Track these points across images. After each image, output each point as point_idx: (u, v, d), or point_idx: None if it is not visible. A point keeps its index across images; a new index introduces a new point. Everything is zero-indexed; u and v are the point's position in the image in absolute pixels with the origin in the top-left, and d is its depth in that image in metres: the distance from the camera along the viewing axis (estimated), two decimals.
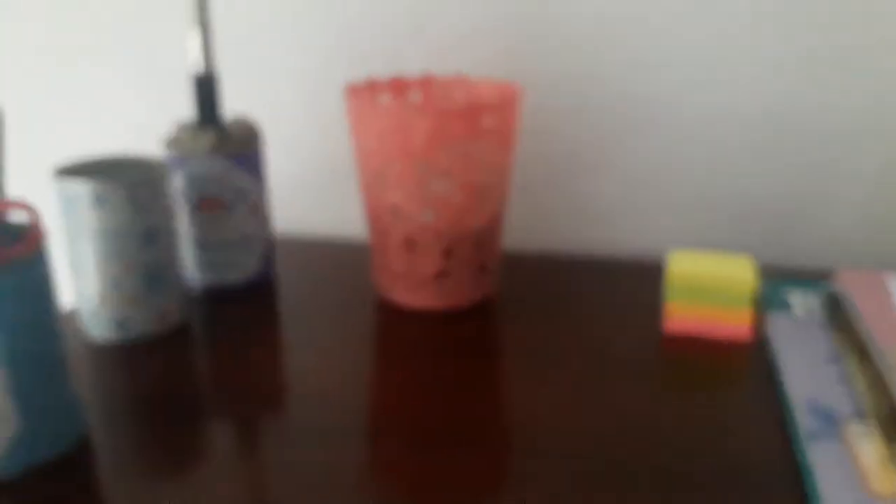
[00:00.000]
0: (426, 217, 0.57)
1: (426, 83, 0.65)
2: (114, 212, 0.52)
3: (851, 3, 0.63)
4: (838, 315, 0.54)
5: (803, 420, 0.44)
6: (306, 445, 0.44)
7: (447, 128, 0.53)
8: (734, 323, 0.56)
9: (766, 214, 0.71)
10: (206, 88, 0.59)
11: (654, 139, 0.70)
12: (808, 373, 0.49)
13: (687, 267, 0.57)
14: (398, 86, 0.64)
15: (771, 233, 0.71)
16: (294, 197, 0.79)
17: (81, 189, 0.51)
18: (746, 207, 0.71)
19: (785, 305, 0.59)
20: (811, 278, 0.63)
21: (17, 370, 0.41)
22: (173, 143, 0.59)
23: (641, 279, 0.66)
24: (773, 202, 0.70)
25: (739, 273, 0.56)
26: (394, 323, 0.59)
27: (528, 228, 0.76)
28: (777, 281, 0.63)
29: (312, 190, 0.79)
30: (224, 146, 0.59)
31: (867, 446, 0.42)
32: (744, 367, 0.52)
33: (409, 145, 0.54)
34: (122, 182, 0.52)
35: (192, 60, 0.59)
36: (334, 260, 0.70)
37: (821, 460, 0.41)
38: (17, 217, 0.46)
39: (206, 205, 0.60)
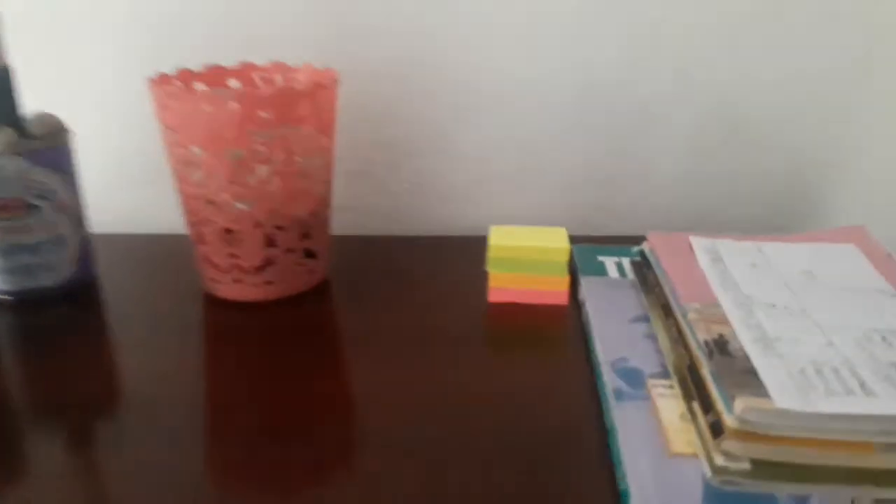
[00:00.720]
0: (243, 206, 0.52)
1: (244, 71, 0.59)
2: None
3: None
4: (646, 276, 0.53)
5: (610, 381, 0.42)
6: (140, 449, 0.38)
7: (258, 114, 0.48)
8: (552, 289, 0.54)
9: (589, 185, 0.69)
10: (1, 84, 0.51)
11: (482, 119, 0.67)
12: (616, 333, 0.48)
13: (505, 240, 0.54)
14: (214, 75, 0.58)
15: (594, 203, 0.70)
16: (114, 193, 0.72)
17: None
18: (572, 179, 0.69)
19: (600, 270, 0.57)
20: (627, 245, 0.62)
21: None
22: None
23: (471, 254, 0.63)
24: (594, 173, 0.69)
25: (554, 242, 0.54)
26: (223, 318, 0.53)
27: (365, 212, 0.71)
28: (594, 248, 0.61)
29: (134, 185, 0.71)
30: (24, 144, 0.52)
31: (668, 404, 0.40)
32: (560, 332, 0.50)
33: (218, 133, 0.49)
34: None
35: None
36: (159, 256, 0.63)
37: (625, 421, 0.39)
38: None
39: (5, 207, 0.53)
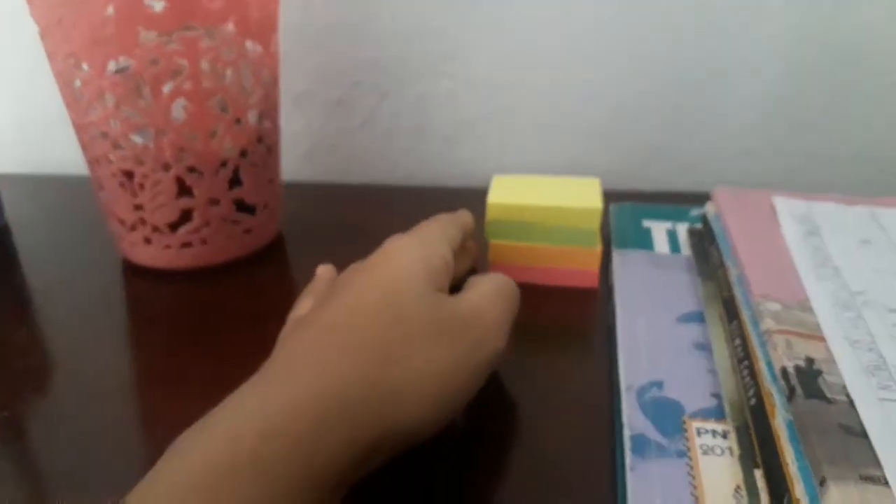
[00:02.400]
0: (141, 139, 0.39)
1: None
2: None
3: None
4: (708, 252, 0.38)
5: (631, 421, 0.29)
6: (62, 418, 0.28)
7: (145, 5, 0.36)
8: (577, 267, 0.41)
9: (640, 119, 0.54)
10: None
11: (499, 29, 0.52)
12: (653, 340, 0.34)
13: (511, 196, 0.40)
14: None
15: (647, 145, 0.55)
16: (27, 131, 0.60)
17: None
18: (618, 110, 0.54)
19: (646, 241, 0.43)
20: (682, 203, 0.47)
21: None
22: None
23: (477, 212, 0.49)
24: (648, 104, 0.54)
25: (580, 201, 0.40)
26: (142, 289, 0.42)
27: (344, 153, 0.58)
28: (640, 207, 0.47)
29: (47, 119, 0.60)
30: None
31: (719, 466, 0.26)
32: (581, 331, 0.37)
33: (96, 36, 0.36)
34: None
35: None
36: (73, 204, 0.52)
37: (646, 490, 0.25)
38: None
39: None
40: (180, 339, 0.37)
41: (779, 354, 0.27)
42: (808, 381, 0.25)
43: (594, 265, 0.40)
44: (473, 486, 0.28)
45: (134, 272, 0.43)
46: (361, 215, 0.49)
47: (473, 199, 0.49)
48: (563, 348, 0.35)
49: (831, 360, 0.26)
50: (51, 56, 0.39)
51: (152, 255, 0.43)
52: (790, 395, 0.25)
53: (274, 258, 0.45)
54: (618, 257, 0.41)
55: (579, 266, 0.41)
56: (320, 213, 0.50)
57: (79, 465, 0.29)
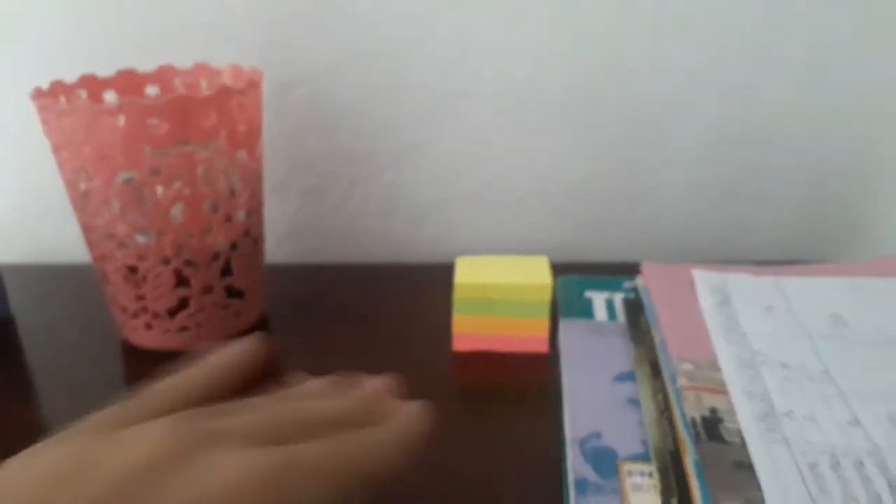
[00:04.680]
0: (144, 239, 0.45)
1: (163, 76, 0.53)
2: None
3: None
4: (638, 320, 0.45)
5: (574, 466, 0.35)
6: None
7: (149, 127, 0.42)
8: (530, 335, 0.47)
9: (579, 203, 0.62)
10: None
11: (454, 127, 0.60)
12: (593, 397, 0.40)
13: (474, 276, 0.47)
14: (127, 81, 0.52)
15: (585, 223, 0.63)
16: (30, 222, 0.66)
17: None
18: (558, 197, 0.62)
19: (587, 310, 0.50)
20: (622, 273, 0.54)
21: None
22: None
23: (438, 285, 0.56)
24: (586, 189, 0.61)
25: (533, 277, 0.47)
26: (143, 369, 0.47)
27: (318, 237, 0.65)
28: (581, 280, 0.54)
29: (50, 211, 0.65)
30: None
31: (644, 500, 0.33)
32: (533, 390, 0.43)
33: (104, 152, 0.42)
34: None
35: None
36: (79, 290, 0.58)
37: None
38: None
39: None
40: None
41: (690, 406, 0.34)
42: (712, 427, 0.32)
43: (544, 333, 0.47)
44: None
45: (134, 354, 0.49)
46: (337, 292, 0.56)
47: (439, 273, 0.55)
48: (518, 406, 0.42)
49: (731, 410, 0.33)
50: (62, 166, 0.45)
51: (152, 338, 0.49)
52: (697, 438, 0.31)
53: (261, 331, 0.50)
54: (563, 325, 0.48)
55: (532, 334, 0.47)
56: (298, 291, 0.56)
57: None
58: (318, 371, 0.45)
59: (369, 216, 0.63)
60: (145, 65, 0.58)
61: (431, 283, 0.56)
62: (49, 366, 0.48)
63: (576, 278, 0.54)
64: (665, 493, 0.32)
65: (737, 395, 0.34)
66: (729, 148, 0.59)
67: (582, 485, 0.34)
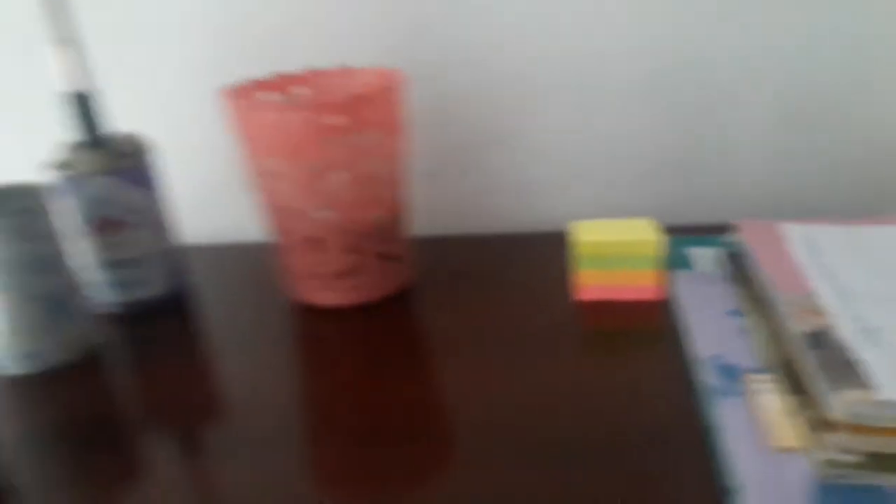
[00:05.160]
0: (322, 214, 0.55)
1: (310, 78, 0.63)
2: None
3: None
4: (738, 268, 0.54)
5: (707, 378, 0.44)
6: (243, 455, 0.43)
7: (326, 121, 0.52)
8: (642, 285, 0.56)
9: (665, 173, 0.71)
10: (82, 106, 0.56)
11: (551, 112, 0.69)
12: (711, 329, 0.49)
13: (592, 235, 0.56)
14: (281, 82, 0.62)
15: (672, 191, 0.72)
16: (203, 206, 0.77)
17: None
18: (647, 167, 0.71)
19: (688, 263, 0.59)
20: (714, 234, 0.64)
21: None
22: (57, 165, 0.56)
23: (553, 250, 0.65)
24: (672, 160, 0.70)
25: (643, 235, 0.56)
26: (312, 323, 0.57)
27: (441, 213, 0.74)
28: (680, 239, 0.63)
29: (221, 196, 0.76)
30: (110, 164, 0.57)
31: (768, 401, 0.42)
32: (653, 329, 0.52)
33: (292, 142, 0.52)
34: (3, 211, 0.49)
35: (61, 79, 0.56)
36: (250, 264, 0.68)
37: (725, 417, 0.41)
38: None
39: (103, 224, 0.57)
40: (348, 360, 0.52)
41: (799, 325, 0.43)
42: (820, 339, 0.41)
43: (656, 282, 0.56)
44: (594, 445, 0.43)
45: (309, 312, 0.59)
46: (464, 258, 0.65)
47: (547, 241, 0.65)
48: (641, 342, 0.51)
49: (833, 326, 0.42)
50: (247, 154, 0.55)
51: (327, 297, 0.59)
52: (810, 347, 0.41)
53: (411, 294, 0.60)
54: (673, 275, 0.57)
55: (646, 283, 0.56)
56: (433, 258, 0.66)
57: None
58: (461, 319, 0.55)
59: (486, 192, 0.73)
60: (287, 66, 0.68)
61: (539, 248, 0.66)
62: (231, 325, 0.58)
63: (674, 237, 0.63)
64: (787, 393, 0.41)
65: (836, 316, 0.43)
66: (798, 115, 0.68)
67: (715, 390, 0.43)
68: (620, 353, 0.50)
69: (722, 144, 0.70)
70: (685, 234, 0.64)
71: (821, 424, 0.37)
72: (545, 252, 0.65)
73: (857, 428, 0.36)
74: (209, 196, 0.76)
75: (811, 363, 0.40)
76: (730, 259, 0.57)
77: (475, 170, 0.72)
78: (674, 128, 0.69)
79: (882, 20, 0.64)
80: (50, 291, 0.52)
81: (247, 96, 0.59)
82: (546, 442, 0.42)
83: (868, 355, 0.39)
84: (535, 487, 0.39)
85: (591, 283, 0.57)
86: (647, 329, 0.52)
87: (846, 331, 0.42)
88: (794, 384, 0.41)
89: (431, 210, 0.74)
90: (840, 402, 0.36)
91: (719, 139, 0.69)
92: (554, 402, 0.45)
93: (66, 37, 0.54)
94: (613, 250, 0.56)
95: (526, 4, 0.66)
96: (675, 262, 0.59)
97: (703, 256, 0.60)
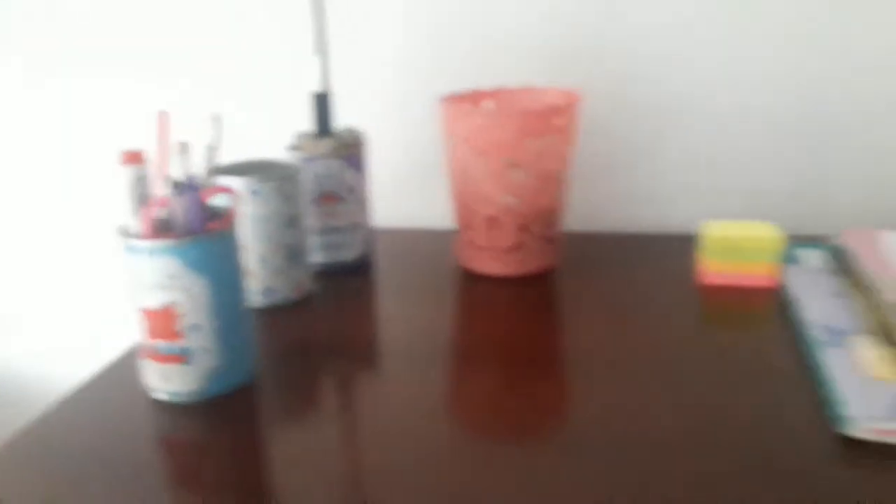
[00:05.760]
0: (506, 200, 0.70)
1: (499, 93, 0.78)
2: (265, 202, 0.65)
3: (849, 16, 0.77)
4: (842, 263, 0.67)
5: (817, 334, 0.57)
6: (409, 376, 0.57)
7: (527, 126, 0.67)
8: (760, 274, 0.69)
9: (780, 193, 0.84)
10: (322, 104, 0.72)
11: (689, 133, 0.83)
12: (819, 305, 0.62)
13: (720, 231, 0.70)
14: (475, 96, 0.77)
15: (785, 208, 0.84)
16: (391, 193, 0.93)
17: (240, 184, 0.65)
18: (763, 189, 0.84)
19: (798, 261, 0.71)
20: (819, 241, 0.76)
21: (219, 316, 0.54)
22: (296, 149, 0.73)
23: (682, 249, 0.79)
24: (787, 182, 0.83)
25: (766, 233, 0.69)
26: (478, 287, 0.72)
27: (588, 212, 0.89)
28: (790, 243, 0.76)
29: (414, 186, 0.92)
30: (338, 150, 0.72)
31: (867, 350, 0.54)
32: (768, 307, 0.65)
33: (496, 141, 0.67)
34: (271, 177, 0.65)
35: (314, 82, 0.72)
36: (424, 243, 0.83)
37: (832, 360, 0.54)
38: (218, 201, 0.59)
39: (325, 198, 0.73)
40: (505, 314, 0.66)
41: (890, 296, 0.55)
42: None
43: (774, 272, 0.69)
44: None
45: (478, 279, 0.73)
46: (603, 250, 0.79)
47: (678, 241, 0.78)
48: (757, 319, 0.64)
49: None
50: (455, 148, 0.70)
51: (496, 267, 0.73)
52: None
53: (559, 272, 0.74)
54: (785, 268, 0.70)
55: (764, 273, 0.69)
56: (579, 248, 0.80)
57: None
58: (597, 292, 0.68)
59: (621, 198, 0.87)
60: (476, 83, 0.83)
61: (668, 247, 0.79)
62: (410, 287, 0.73)
63: (789, 242, 0.76)
64: (884, 345, 0.54)
65: None
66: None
67: (822, 343, 0.56)
68: (739, 325, 0.63)
69: (826, 171, 0.82)
70: (794, 241, 0.77)
71: None
72: (677, 250, 0.78)
73: None
74: (402, 186, 0.92)
75: None
76: (834, 257, 0.69)
77: (618, 178, 0.86)
78: (791, 160, 0.82)
79: None
80: (290, 243, 0.68)
81: (460, 103, 0.75)
82: (660, 380, 0.55)
83: None
84: (658, 406, 0.52)
85: (714, 270, 0.70)
86: (762, 307, 0.65)
87: None
88: (888, 339, 0.53)
89: (584, 209, 0.89)
90: None
91: (826, 167, 0.82)
92: (673, 362, 0.59)
93: (321, 49, 0.71)
94: (738, 243, 0.69)
95: (681, 39, 0.80)
96: (787, 260, 0.72)
97: (811, 256, 0.72)
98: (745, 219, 0.86)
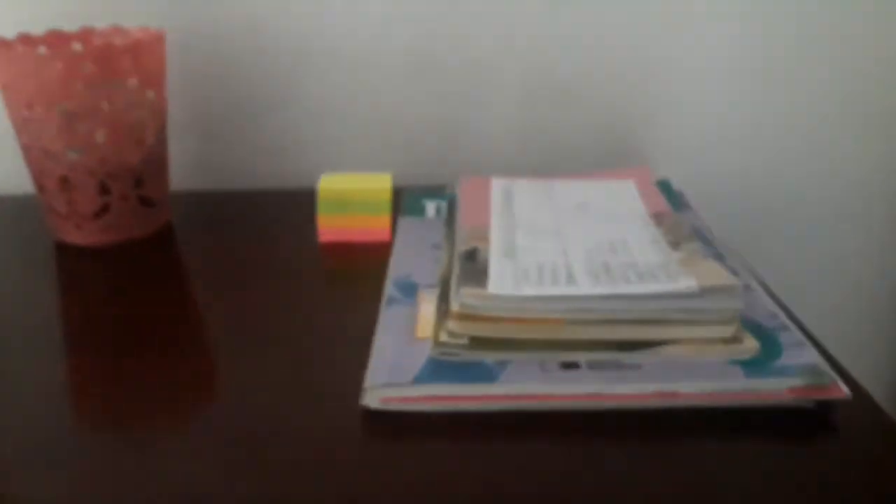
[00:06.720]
0: (75, 155, 0.60)
1: (84, 35, 0.67)
2: None
3: None
4: (451, 213, 0.62)
5: (388, 292, 0.52)
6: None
7: (79, 70, 0.57)
8: (376, 227, 0.64)
9: (425, 138, 0.79)
10: None
11: (317, 78, 0.76)
12: (411, 258, 0.57)
13: (334, 184, 0.63)
14: (56, 38, 0.66)
15: (432, 157, 0.80)
16: None
17: None
18: (405, 134, 0.79)
19: (420, 211, 0.67)
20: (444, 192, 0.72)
21: None
22: None
23: (305, 203, 0.72)
24: (430, 127, 0.79)
25: (378, 185, 0.63)
26: (71, 262, 0.61)
27: (210, 168, 0.80)
28: (415, 192, 0.71)
29: None
30: None
31: (429, 305, 0.50)
32: (378, 264, 0.59)
33: (46, 89, 0.57)
34: None
35: None
36: (17, 211, 0.72)
37: (390, 320, 0.49)
38: None
39: None
40: (103, 292, 0.57)
41: (461, 246, 0.51)
42: (471, 256, 0.49)
43: (386, 226, 0.64)
44: None
45: (67, 250, 0.63)
46: (225, 210, 0.71)
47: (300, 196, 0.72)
48: (371, 274, 0.58)
49: (487, 248, 0.51)
50: (7, 101, 0.60)
51: (82, 236, 0.63)
52: (460, 261, 0.49)
53: (167, 237, 0.66)
54: (401, 221, 0.65)
55: (378, 227, 0.64)
56: (198, 209, 0.72)
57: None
58: (212, 259, 0.60)
59: (253, 152, 0.79)
60: (69, 26, 0.72)
61: (295, 202, 0.73)
62: None
63: (415, 193, 0.71)
64: (440, 298, 0.49)
65: (494, 240, 0.52)
66: (536, 100, 0.77)
67: (389, 300, 0.51)
68: (350, 286, 0.57)
69: (474, 118, 0.78)
70: (427, 191, 0.72)
71: (444, 316, 0.45)
72: (300, 205, 0.72)
73: (468, 316, 0.44)
74: None
75: (456, 273, 0.48)
76: (448, 206, 0.65)
77: (245, 130, 0.78)
78: (430, 100, 0.77)
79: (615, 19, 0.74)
80: None
81: (8, 49, 0.63)
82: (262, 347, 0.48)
83: (494, 265, 0.47)
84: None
85: (331, 226, 0.64)
86: (372, 265, 0.60)
87: (493, 250, 0.50)
88: (446, 292, 0.49)
89: (205, 167, 0.80)
90: (460, 297, 0.44)
91: (472, 113, 0.78)
92: (294, 324, 0.52)
93: None
94: (351, 197, 0.63)
95: None
96: (410, 210, 0.67)
97: (434, 207, 0.68)
98: (390, 168, 0.81)
